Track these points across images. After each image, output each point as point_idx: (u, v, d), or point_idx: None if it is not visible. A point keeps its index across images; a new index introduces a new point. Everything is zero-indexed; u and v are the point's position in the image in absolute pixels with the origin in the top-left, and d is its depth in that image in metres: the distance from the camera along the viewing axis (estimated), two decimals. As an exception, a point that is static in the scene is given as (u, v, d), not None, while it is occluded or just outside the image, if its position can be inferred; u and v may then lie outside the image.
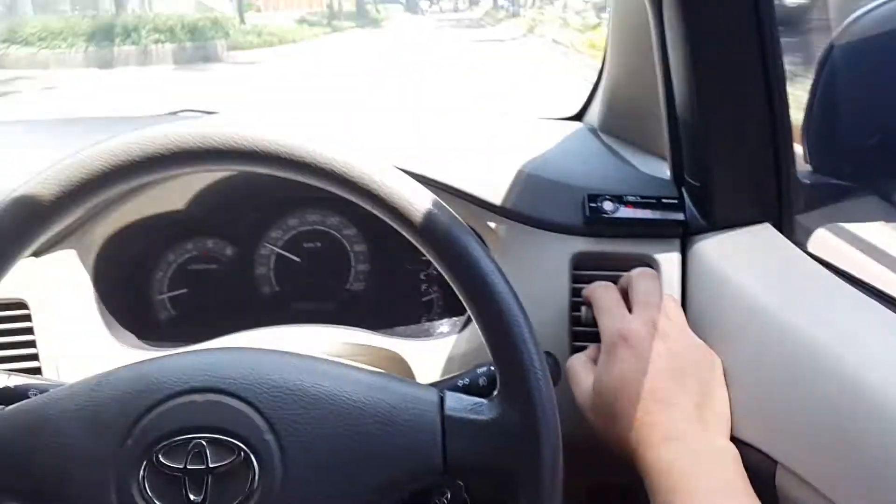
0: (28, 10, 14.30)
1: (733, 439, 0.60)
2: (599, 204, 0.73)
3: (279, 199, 0.90)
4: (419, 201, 0.51)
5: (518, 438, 0.51)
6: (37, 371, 0.74)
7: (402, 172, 0.52)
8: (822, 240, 0.69)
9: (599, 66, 1.02)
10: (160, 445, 0.50)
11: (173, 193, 0.84)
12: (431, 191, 0.52)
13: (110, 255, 0.82)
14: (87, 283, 0.79)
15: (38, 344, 0.74)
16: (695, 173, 0.73)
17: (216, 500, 0.49)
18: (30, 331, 0.75)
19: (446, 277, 0.52)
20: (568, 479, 0.51)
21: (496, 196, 0.76)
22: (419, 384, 0.56)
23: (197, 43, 12.59)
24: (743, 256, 0.68)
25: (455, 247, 0.51)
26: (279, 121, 0.52)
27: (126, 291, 0.86)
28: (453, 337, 0.77)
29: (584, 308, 0.71)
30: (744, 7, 0.63)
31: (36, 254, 0.77)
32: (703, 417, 0.59)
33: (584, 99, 1.09)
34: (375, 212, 0.52)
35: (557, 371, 0.67)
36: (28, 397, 0.56)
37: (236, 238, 0.91)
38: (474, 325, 0.52)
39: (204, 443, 0.50)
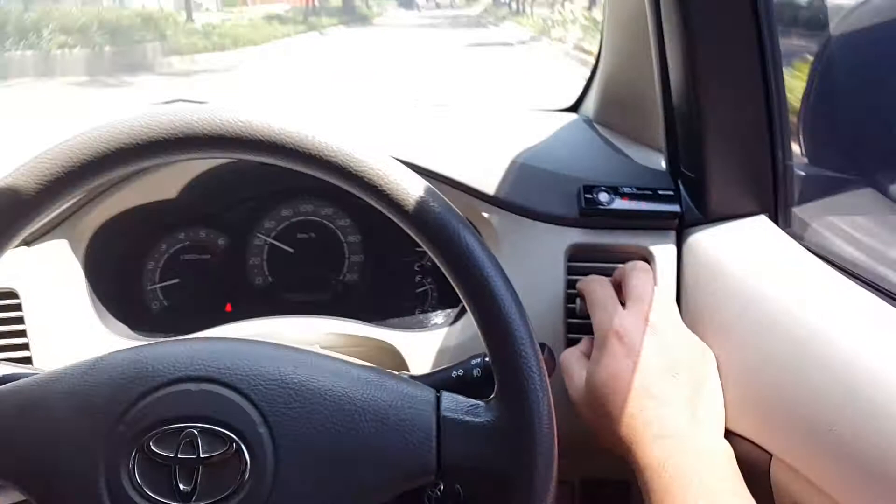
0: None
1: (727, 432, 0.60)
2: (595, 195, 0.73)
3: (273, 189, 0.90)
4: (417, 191, 0.50)
5: (513, 443, 0.50)
6: (27, 360, 0.74)
7: (400, 162, 0.52)
8: (818, 232, 0.69)
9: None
10: (152, 433, 0.50)
11: (166, 183, 0.84)
12: (426, 181, 0.52)
13: (102, 245, 0.81)
14: (78, 272, 0.79)
15: (28, 333, 0.74)
16: (691, 165, 0.72)
17: (206, 491, 0.49)
18: (20, 320, 0.74)
19: (444, 271, 0.51)
20: (561, 473, 0.51)
21: (491, 186, 0.76)
22: (416, 382, 0.55)
23: (119, 47, 9.87)
24: (738, 249, 0.68)
25: (454, 242, 0.50)
26: (274, 110, 0.51)
27: (117, 281, 0.86)
28: (447, 328, 0.77)
29: (578, 300, 0.71)
30: None
31: (27, 243, 0.76)
32: (696, 414, 0.59)
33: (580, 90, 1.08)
34: (372, 202, 0.51)
35: (552, 363, 0.67)
36: None
37: (229, 228, 0.90)
38: (468, 317, 0.52)
39: (196, 432, 0.50)
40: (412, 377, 0.60)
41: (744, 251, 0.67)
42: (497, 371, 0.51)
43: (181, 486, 0.49)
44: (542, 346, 0.56)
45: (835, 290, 0.59)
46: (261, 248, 0.90)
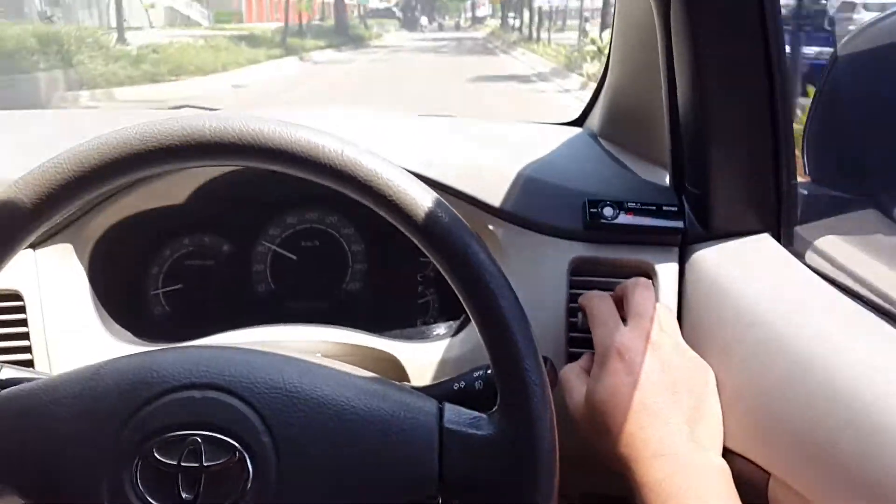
0: None
1: (726, 450, 0.60)
2: (599, 209, 0.73)
3: (277, 196, 0.90)
4: (426, 202, 0.50)
5: (515, 457, 0.50)
6: (29, 364, 0.73)
7: (408, 172, 0.52)
8: (821, 251, 0.69)
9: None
10: (156, 440, 0.49)
11: (171, 189, 0.84)
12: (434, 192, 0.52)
13: (106, 250, 0.82)
14: (82, 276, 0.79)
15: (31, 336, 0.74)
16: (695, 181, 0.73)
17: (208, 500, 0.49)
18: (23, 323, 0.74)
19: (450, 282, 0.51)
20: (562, 488, 0.51)
21: (496, 198, 0.76)
22: (419, 393, 0.55)
23: (4, 77, 7.06)
24: (741, 266, 0.68)
25: (462, 253, 0.50)
26: (283, 118, 0.51)
27: (121, 286, 0.86)
28: (448, 339, 0.77)
29: (579, 314, 0.71)
30: (750, 17, 0.63)
31: (32, 246, 0.77)
32: (695, 433, 0.59)
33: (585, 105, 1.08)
34: (381, 212, 0.51)
35: (554, 376, 0.67)
36: None
37: (233, 234, 0.90)
38: (470, 329, 0.52)
39: (200, 440, 0.49)
40: (414, 388, 0.60)
41: (746, 269, 0.67)
42: (500, 384, 0.51)
43: (184, 495, 0.49)
44: (545, 359, 0.56)
45: (837, 309, 0.59)
46: (264, 255, 0.90)
